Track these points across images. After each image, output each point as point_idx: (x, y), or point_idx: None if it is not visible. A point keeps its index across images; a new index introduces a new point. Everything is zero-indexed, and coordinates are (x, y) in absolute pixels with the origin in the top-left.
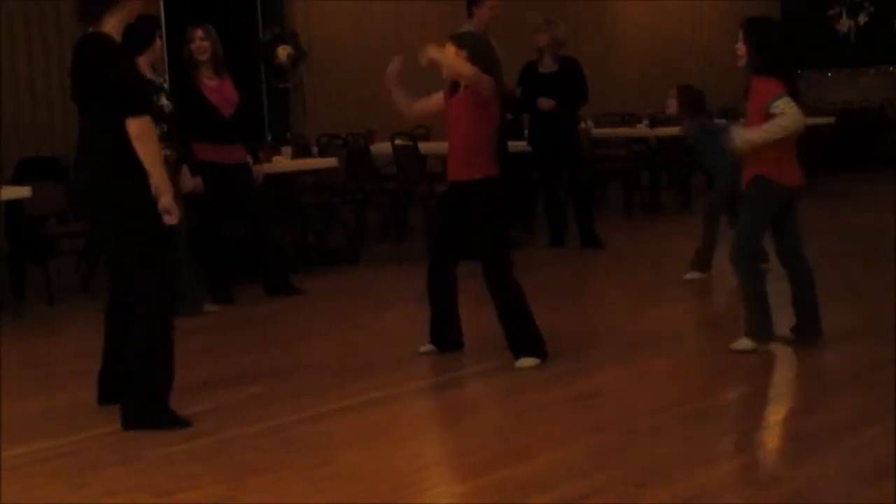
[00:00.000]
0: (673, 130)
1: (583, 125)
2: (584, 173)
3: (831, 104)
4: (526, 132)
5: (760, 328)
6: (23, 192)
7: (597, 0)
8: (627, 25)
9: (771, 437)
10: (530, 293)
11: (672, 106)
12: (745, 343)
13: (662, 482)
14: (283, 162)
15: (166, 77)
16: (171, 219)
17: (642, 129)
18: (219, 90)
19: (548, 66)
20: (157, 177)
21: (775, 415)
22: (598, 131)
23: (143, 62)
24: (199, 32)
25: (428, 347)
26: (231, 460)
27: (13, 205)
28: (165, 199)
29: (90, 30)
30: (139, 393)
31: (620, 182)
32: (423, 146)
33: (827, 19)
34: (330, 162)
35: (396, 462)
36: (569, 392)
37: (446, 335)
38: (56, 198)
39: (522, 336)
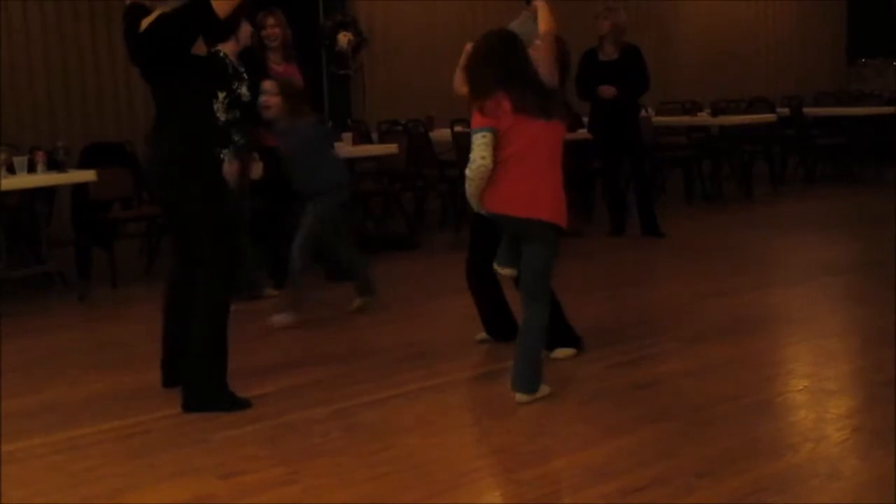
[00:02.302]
0: (735, 119)
1: (644, 113)
2: (644, 162)
3: None
4: (586, 120)
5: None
6: (88, 176)
7: None
8: (689, 12)
9: (834, 430)
10: (590, 282)
11: (273, 104)
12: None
13: (725, 473)
14: (344, 148)
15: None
16: None
17: (704, 118)
18: (284, 75)
19: (609, 53)
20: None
21: (837, 408)
22: (659, 119)
23: (228, 48)
24: (271, 19)
25: (483, 335)
26: (293, 443)
27: (79, 189)
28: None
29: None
30: (199, 376)
31: (681, 171)
32: None
33: (894, 7)
34: (390, 148)
35: (457, 449)
36: (630, 381)
37: (500, 326)
38: (121, 182)
39: (555, 331)
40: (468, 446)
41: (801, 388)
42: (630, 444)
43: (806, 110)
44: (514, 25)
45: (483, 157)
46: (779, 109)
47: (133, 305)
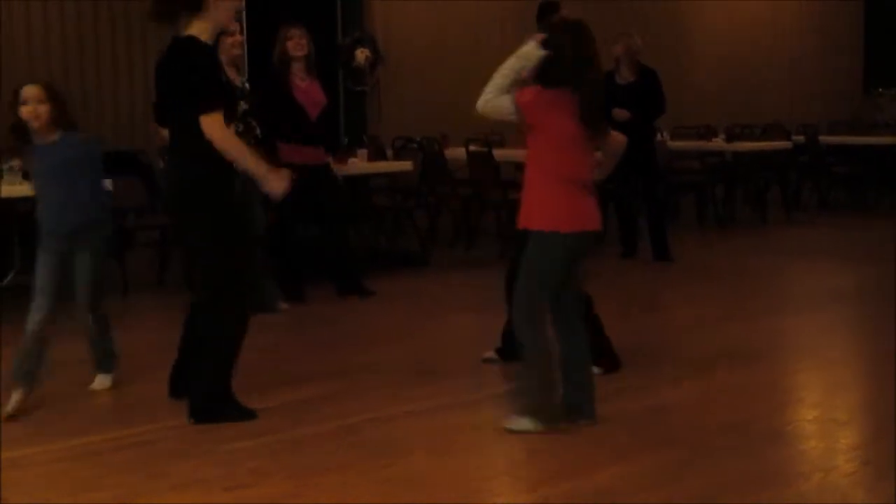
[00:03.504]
0: (750, 146)
1: (659, 137)
2: (658, 185)
3: None
4: None
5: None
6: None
7: (672, 7)
8: (705, 37)
9: (843, 460)
10: (600, 304)
11: (42, 113)
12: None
13: (733, 500)
14: (359, 164)
15: (246, 75)
16: (278, 185)
17: (718, 143)
18: (307, 91)
19: (625, 76)
20: (248, 164)
21: (847, 439)
22: (673, 144)
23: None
24: (297, 31)
25: (490, 354)
26: (299, 458)
27: None
28: (266, 177)
29: (181, 34)
30: (207, 386)
31: (694, 195)
32: (498, 153)
33: None
34: (404, 165)
35: (462, 469)
36: (638, 406)
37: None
38: (135, 192)
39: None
40: (474, 467)
41: (811, 417)
42: (637, 469)
43: (821, 138)
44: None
45: (487, 93)
46: (794, 136)
47: (143, 315)
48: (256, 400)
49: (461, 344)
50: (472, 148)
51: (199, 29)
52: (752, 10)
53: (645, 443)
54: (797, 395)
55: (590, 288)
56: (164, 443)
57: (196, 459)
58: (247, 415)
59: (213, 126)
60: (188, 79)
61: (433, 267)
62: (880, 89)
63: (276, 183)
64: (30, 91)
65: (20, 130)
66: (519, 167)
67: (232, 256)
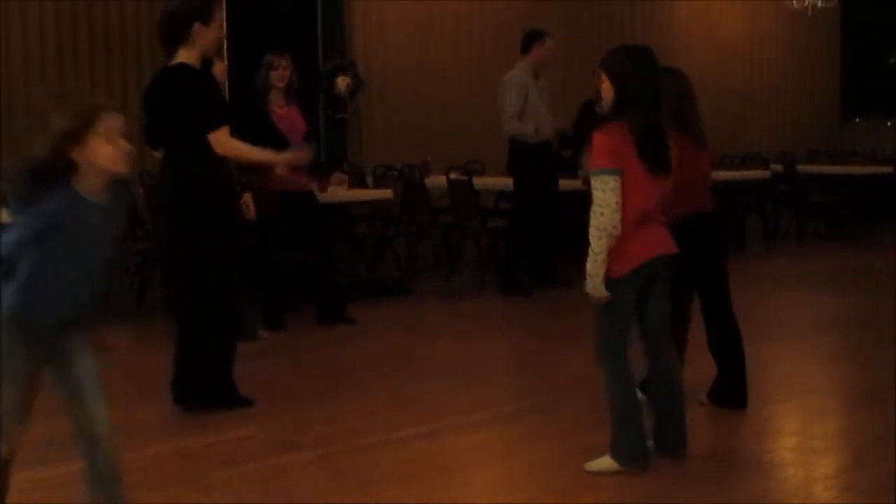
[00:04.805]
0: (729, 175)
1: None
2: None
3: (891, 152)
4: (580, 171)
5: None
6: None
7: (650, 38)
8: (684, 67)
9: (821, 489)
10: (581, 332)
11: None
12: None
13: None
14: (339, 191)
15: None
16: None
17: None
18: (287, 118)
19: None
20: (261, 159)
21: (825, 467)
22: None
23: None
24: (283, 62)
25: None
26: (279, 487)
27: None
28: (278, 161)
29: (170, 63)
30: (212, 379)
31: None
32: (478, 181)
33: (888, 67)
34: (385, 193)
35: (444, 497)
36: None
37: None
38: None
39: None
40: (454, 495)
41: (790, 446)
42: (616, 497)
43: (799, 167)
44: (511, 75)
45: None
46: (772, 166)
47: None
48: (236, 427)
49: (442, 372)
50: (452, 176)
51: (188, 57)
52: (731, 41)
53: (623, 471)
54: (775, 424)
55: (571, 315)
56: (149, 470)
57: (176, 488)
58: (245, 403)
59: (222, 141)
60: (193, 101)
61: (414, 295)
62: (858, 119)
63: (284, 164)
64: (117, 122)
65: (48, 172)
66: (500, 196)
67: (230, 269)
